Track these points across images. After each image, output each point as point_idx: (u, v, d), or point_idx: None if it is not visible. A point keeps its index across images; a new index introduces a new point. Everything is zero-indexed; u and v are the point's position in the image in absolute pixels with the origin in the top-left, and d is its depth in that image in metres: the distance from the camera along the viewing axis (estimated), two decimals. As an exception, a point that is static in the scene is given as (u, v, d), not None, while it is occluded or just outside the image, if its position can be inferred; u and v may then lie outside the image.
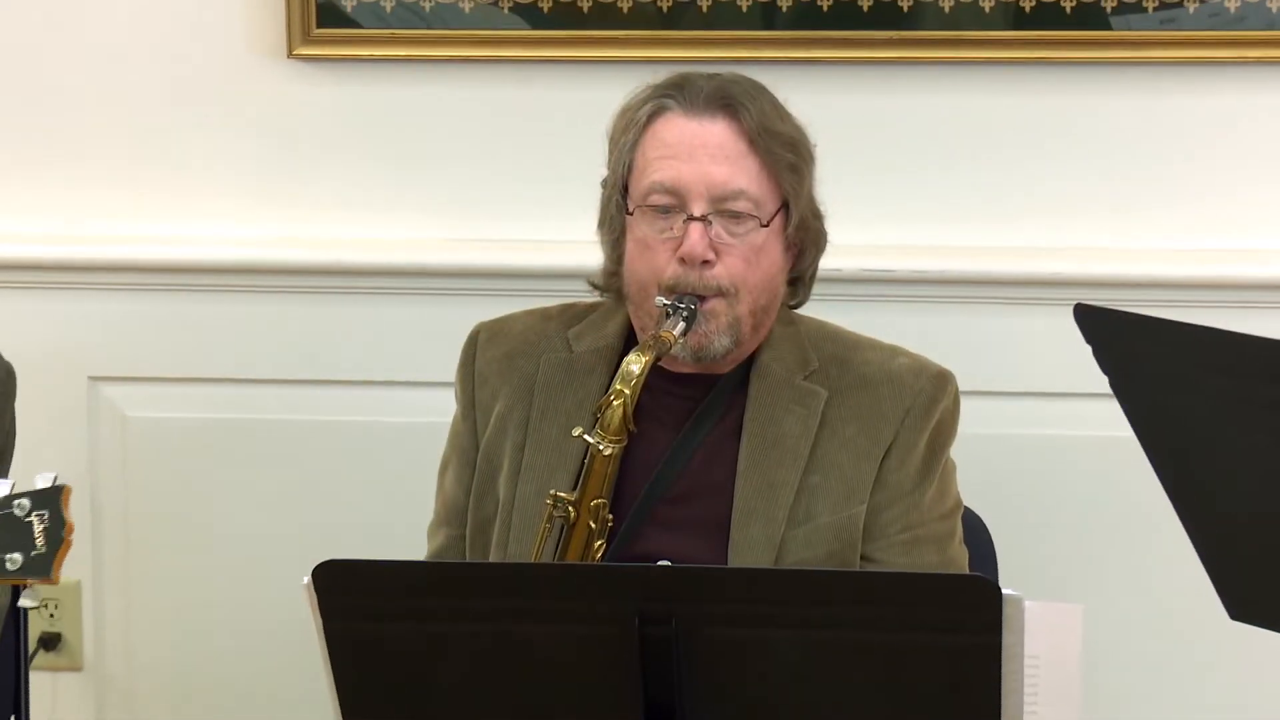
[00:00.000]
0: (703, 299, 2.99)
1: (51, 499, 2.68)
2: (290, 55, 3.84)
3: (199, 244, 3.88)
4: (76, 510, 3.68)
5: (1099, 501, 3.71)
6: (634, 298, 3.07)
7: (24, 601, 2.69)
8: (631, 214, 3.05)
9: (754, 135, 3.01)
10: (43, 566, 2.67)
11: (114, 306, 3.89)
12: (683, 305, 2.97)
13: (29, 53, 3.89)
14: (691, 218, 2.98)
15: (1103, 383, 2.66)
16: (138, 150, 3.91)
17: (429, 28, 3.81)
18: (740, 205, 3.00)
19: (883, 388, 3.09)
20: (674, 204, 3.00)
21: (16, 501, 2.69)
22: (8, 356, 3.25)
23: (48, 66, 3.89)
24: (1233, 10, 3.68)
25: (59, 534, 2.68)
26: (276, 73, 3.86)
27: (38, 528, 2.68)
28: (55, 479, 2.69)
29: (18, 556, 2.67)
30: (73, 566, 3.80)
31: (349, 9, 3.81)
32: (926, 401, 3.09)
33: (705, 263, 2.98)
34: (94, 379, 3.90)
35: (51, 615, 3.92)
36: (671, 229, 3.00)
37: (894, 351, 3.15)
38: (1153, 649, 3.76)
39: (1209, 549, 2.69)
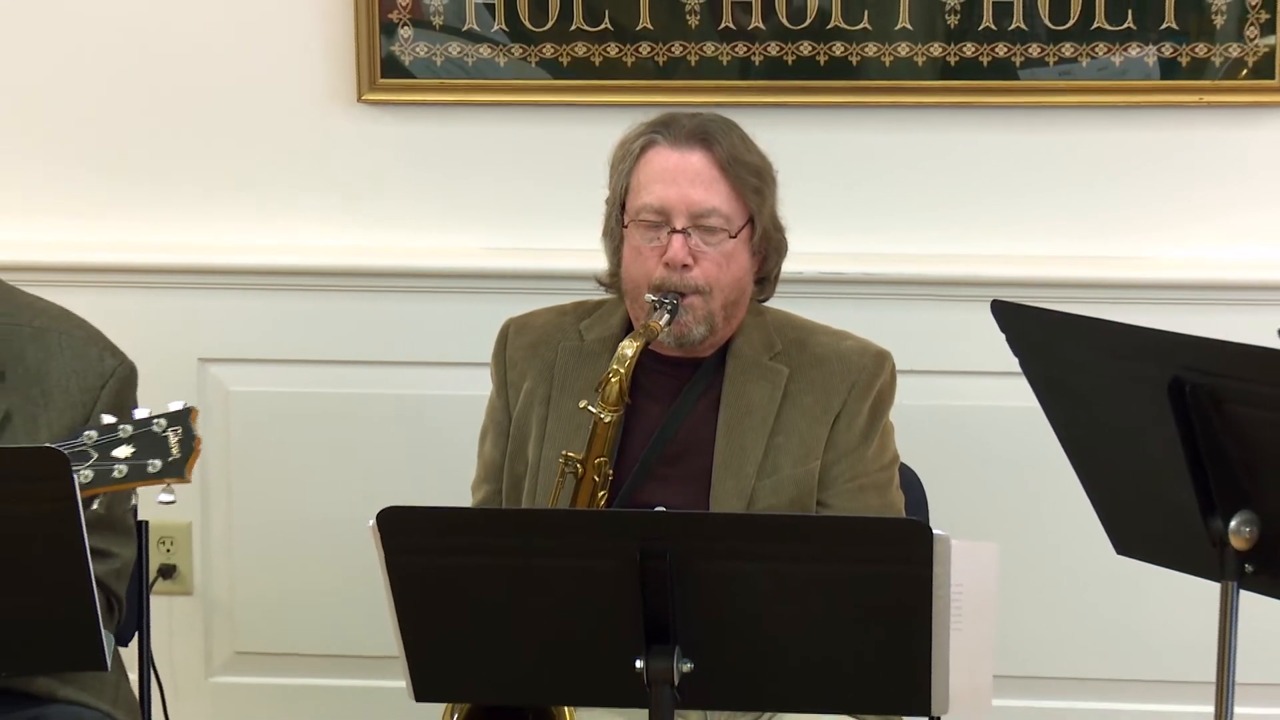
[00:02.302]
0: (683, 296, 2.98)
1: (182, 417, 2.72)
2: (359, 100, 3.82)
3: (286, 252, 3.86)
4: (189, 466, 3.73)
5: (1011, 458, 3.69)
6: (629, 295, 3.06)
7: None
8: (627, 226, 3.04)
9: (725, 164, 2.99)
10: (177, 469, 2.70)
11: (219, 302, 3.87)
12: (667, 300, 2.96)
13: (157, 103, 3.88)
14: (674, 231, 2.98)
15: (1014, 363, 2.65)
16: (236, 177, 3.89)
17: (471, 78, 3.79)
18: (713, 221, 2.99)
19: (833, 365, 3.07)
20: (660, 220, 2.99)
21: (155, 420, 2.71)
22: (135, 342, 3.23)
23: (166, 112, 3.88)
24: (1117, 64, 3.66)
25: (190, 444, 2.71)
26: (348, 114, 3.84)
27: (173, 440, 2.71)
28: (184, 404, 2.73)
29: (157, 462, 2.69)
30: (185, 511, 3.85)
31: (407, 63, 3.79)
32: (869, 376, 3.06)
33: (685, 266, 2.97)
34: (203, 360, 3.88)
35: (168, 550, 3.91)
36: (659, 239, 2.99)
37: (843, 336, 3.13)
38: (1055, 578, 3.75)
39: (1099, 496, 2.68)
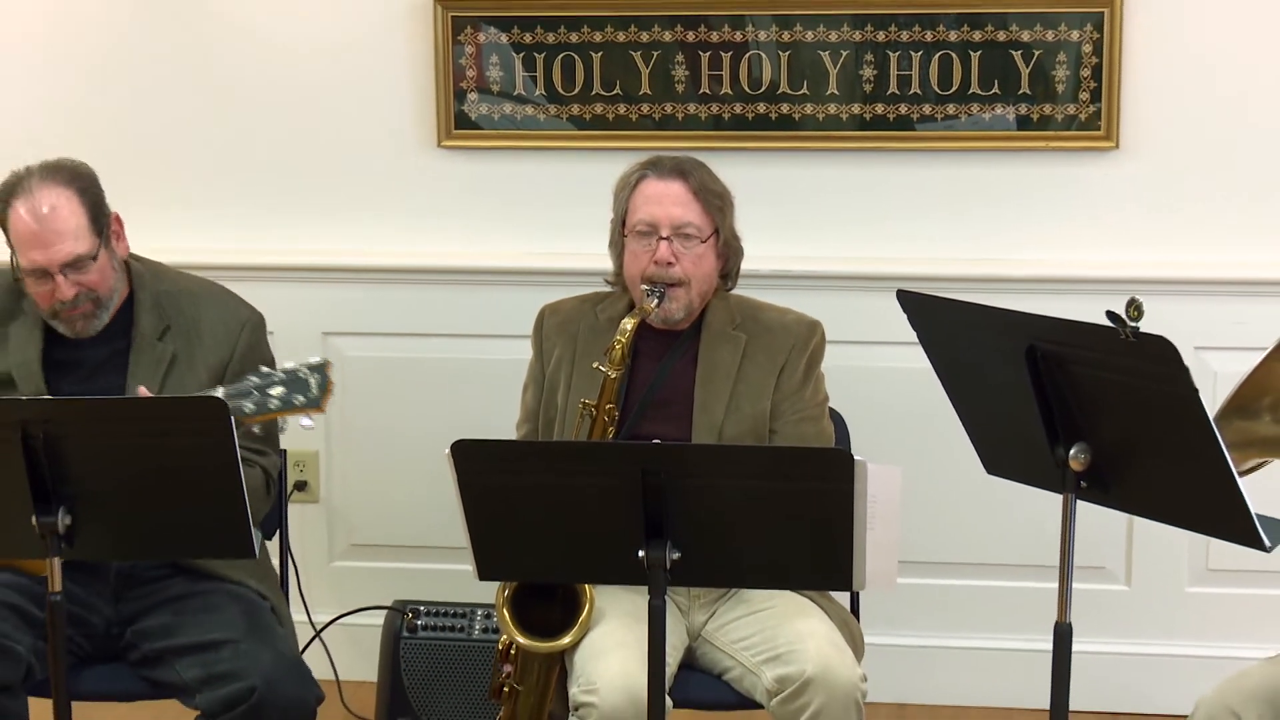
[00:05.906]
0: (669, 286, 2.98)
1: (321, 367, 2.79)
2: (439, 145, 3.80)
3: (385, 255, 3.84)
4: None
5: (911, 403, 3.65)
6: (629, 286, 3.05)
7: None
8: (626, 237, 3.03)
9: (697, 190, 3.00)
10: (316, 402, 2.77)
11: (338, 292, 3.85)
12: (657, 289, 2.97)
13: (295, 152, 3.87)
14: (661, 239, 2.98)
15: (913, 336, 2.63)
16: (350, 202, 3.87)
17: (519, 129, 3.77)
18: (690, 230, 2.98)
19: (779, 332, 3.07)
20: (651, 230, 2.99)
21: (300, 369, 2.78)
22: (281, 325, 3.27)
23: (299, 157, 3.87)
24: (986, 119, 3.66)
25: (324, 385, 2.77)
26: (431, 156, 3.81)
27: (313, 383, 2.77)
28: (322, 357, 2.80)
29: (301, 398, 2.76)
30: (314, 442, 3.84)
31: (473, 118, 3.77)
32: (805, 338, 3.07)
33: (669, 264, 2.97)
34: (326, 333, 3.85)
35: (301, 470, 3.89)
36: (650, 245, 2.98)
37: (786, 311, 3.12)
38: (943, 490, 3.72)
39: (974, 431, 2.67)
